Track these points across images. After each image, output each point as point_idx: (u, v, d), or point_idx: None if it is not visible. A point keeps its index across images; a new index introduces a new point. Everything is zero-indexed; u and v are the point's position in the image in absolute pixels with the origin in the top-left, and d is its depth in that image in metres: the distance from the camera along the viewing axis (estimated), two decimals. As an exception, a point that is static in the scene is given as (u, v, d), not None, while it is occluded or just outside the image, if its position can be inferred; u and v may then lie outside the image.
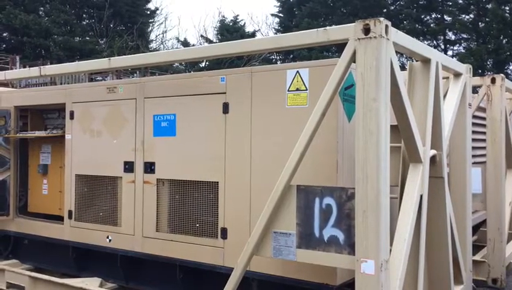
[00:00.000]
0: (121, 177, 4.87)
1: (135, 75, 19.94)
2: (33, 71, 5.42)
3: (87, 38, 28.38)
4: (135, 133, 4.77)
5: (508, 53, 26.05)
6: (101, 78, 19.48)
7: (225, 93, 4.23)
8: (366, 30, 3.02)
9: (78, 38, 28.33)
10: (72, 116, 5.29)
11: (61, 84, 16.71)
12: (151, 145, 4.67)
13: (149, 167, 4.67)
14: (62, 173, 5.52)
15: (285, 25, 31.69)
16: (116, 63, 4.73)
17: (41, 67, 5.33)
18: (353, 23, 3.12)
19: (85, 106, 5.20)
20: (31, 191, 6.04)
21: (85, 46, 27.16)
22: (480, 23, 27.61)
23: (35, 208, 5.98)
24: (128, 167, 4.80)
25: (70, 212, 5.30)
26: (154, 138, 4.65)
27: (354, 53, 3.09)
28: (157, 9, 31.48)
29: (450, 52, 28.92)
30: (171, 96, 4.56)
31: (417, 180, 3.48)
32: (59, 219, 5.51)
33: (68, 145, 5.34)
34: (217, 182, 4.24)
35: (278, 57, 29.98)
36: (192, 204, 4.40)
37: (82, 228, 5.19)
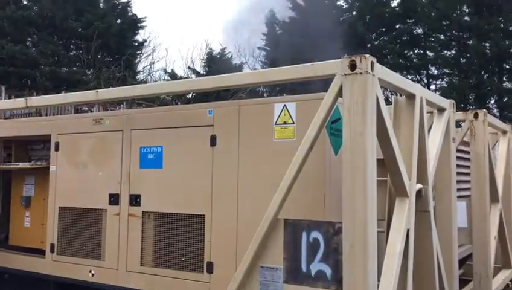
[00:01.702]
0: (106, 209, 4.80)
1: (122, 106, 19.92)
2: (19, 102, 5.40)
3: (74, 68, 28.43)
4: (121, 165, 4.73)
5: (489, 88, 26.69)
6: (87, 108, 19.42)
7: (213, 126, 4.24)
8: (352, 66, 3.09)
9: (65, 68, 28.39)
10: (57, 148, 5.24)
11: (46, 114, 16.59)
12: (137, 177, 4.63)
13: (134, 200, 4.61)
14: (45, 205, 5.42)
15: (272, 58, 32.14)
16: (104, 95, 4.74)
17: (28, 98, 5.31)
18: (339, 59, 3.19)
19: (71, 137, 5.17)
20: (13, 224, 5.91)
21: (72, 77, 27.17)
22: (461, 59, 28.32)
23: (17, 241, 5.84)
24: (114, 199, 4.75)
25: (52, 245, 5.18)
26: (141, 170, 4.62)
27: (341, 88, 3.15)
28: (145, 41, 31.77)
29: (432, 87, 29.52)
30: (158, 129, 4.56)
31: (404, 215, 3.50)
32: (41, 252, 5.38)
33: (52, 177, 5.27)
34: (203, 215, 4.20)
35: (265, 89, 30.28)
36: (178, 237, 4.34)
37: (64, 262, 5.07)
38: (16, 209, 5.88)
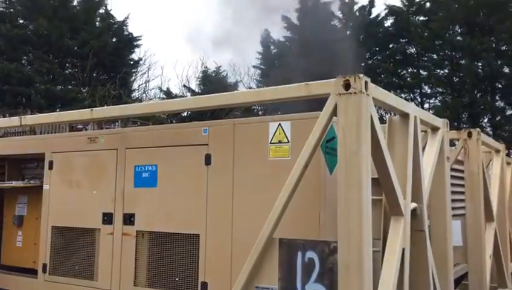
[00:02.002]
0: (99, 229, 4.76)
1: (117, 124, 19.90)
2: (13, 121, 5.38)
3: (69, 87, 28.45)
4: (115, 183, 4.71)
5: (482, 107, 26.88)
6: (82, 126, 19.38)
7: (207, 144, 4.24)
8: (347, 86, 3.11)
9: (60, 86, 28.40)
10: (51, 166, 5.22)
11: (41, 133, 16.51)
12: (132, 196, 4.61)
13: (128, 219, 4.58)
14: (38, 224, 5.37)
15: (267, 77, 32.31)
16: (99, 113, 4.74)
17: (22, 117, 5.29)
18: (334, 79, 3.21)
19: (65, 155, 5.15)
20: (5, 243, 5.84)
21: (67, 95, 27.15)
22: (454, 78, 28.57)
23: (8, 261, 5.77)
24: (107, 218, 4.71)
25: (44, 265, 5.12)
26: (135, 188, 4.60)
27: (335, 107, 3.17)
28: (140, 59, 31.88)
29: (426, 105, 29.69)
30: (153, 147, 4.55)
31: (399, 234, 3.49)
32: (34, 272, 5.31)
33: (46, 196, 5.23)
34: (198, 235, 4.17)
35: (260, 107, 30.37)
36: (172, 257, 4.30)
37: (57, 282, 5.00)
38: (8, 228, 5.82)
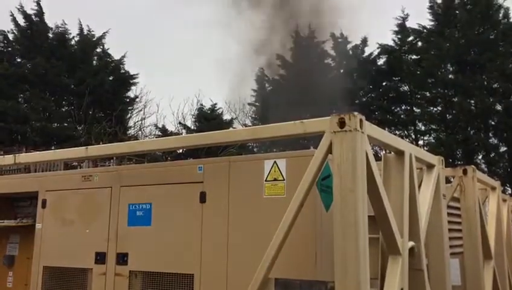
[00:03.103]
0: (92, 269, 4.66)
1: (112, 161, 19.84)
2: (8, 159, 5.35)
3: (65, 124, 28.54)
4: (109, 222, 4.64)
5: (476, 144, 27.07)
6: (77, 164, 19.31)
7: (202, 182, 4.21)
8: (342, 123, 3.12)
9: (56, 124, 28.48)
10: (44, 205, 5.15)
11: (35, 170, 16.42)
12: (125, 235, 4.54)
13: (122, 258, 4.49)
14: (29, 264, 5.25)
15: (262, 114, 32.56)
16: (94, 151, 4.72)
17: (16, 155, 5.26)
18: (329, 117, 3.22)
19: (58, 194, 5.09)
20: (-6, 284, 5.70)
21: (62, 132, 27.22)
22: (448, 115, 28.88)
23: (-3, 303, 5.62)
24: (100, 257, 4.62)
25: (34, 307, 4.98)
26: (129, 227, 4.53)
27: (331, 145, 3.17)
28: (136, 97, 32.14)
29: (420, 142, 29.88)
30: (148, 185, 4.52)
31: (397, 274, 3.44)
32: (22, 314, 5.17)
33: (38, 235, 5.14)
34: (192, 275, 4.09)
35: (255, 144, 30.44)
36: (166, 298, 4.20)
37: (46, 325, 4.86)
38: (-1, 268, 5.69)
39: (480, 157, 27.86)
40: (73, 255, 4.83)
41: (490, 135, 28.14)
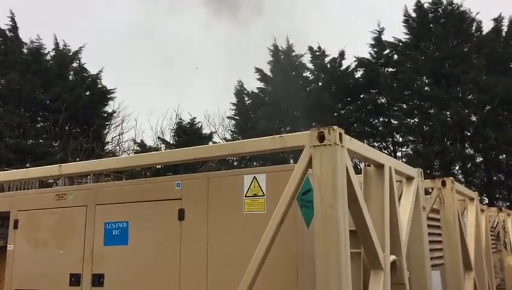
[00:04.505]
0: (66, 291, 4.50)
1: (89, 177, 19.49)
2: (-22, 178, 5.17)
3: (41, 140, 27.99)
4: (84, 242, 4.50)
5: (453, 154, 27.47)
6: (52, 181, 18.90)
7: (181, 199, 4.12)
8: (321, 138, 3.08)
9: (31, 140, 27.92)
10: (16, 226, 4.98)
11: (9, 188, 16.00)
12: (101, 255, 4.40)
13: (97, 280, 4.35)
14: (1, 287, 5.06)
15: (241, 127, 32.54)
16: (67, 169, 4.58)
17: (-15, 174, 5.09)
18: (308, 131, 3.18)
19: (31, 214, 4.93)
20: (-36, 309, 5.46)
21: (37, 149, 26.67)
22: (424, 127, 29.29)
23: (-34, 328, 5.37)
24: (75, 279, 4.46)
25: (6, 332, 4.79)
26: (105, 247, 4.40)
27: (310, 159, 3.12)
28: (114, 112, 31.75)
29: (398, 154, 30.20)
30: (124, 203, 4.40)
31: (379, 289, 3.38)
32: (-7, 340, 4.96)
33: (10, 257, 4.95)
34: (171, 295, 3.97)
35: (234, 158, 30.33)
36: (144, 320, 4.07)
37: None
38: (-32, 292, 5.46)
39: (457, 167, 28.26)
40: (47, 277, 4.67)
41: (466, 145, 28.62)
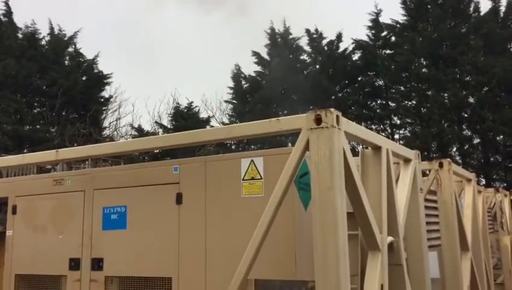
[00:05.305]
0: (66, 275, 4.53)
1: (87, 163, 19.49)
2: (-25, 164, 5.16)
3: (38, 126, 27.90)
4: (83, 227, 4.52)
5: (450, 136, 27.50)
6: (50, 167, 18.90)
7: (178, 183, 4.13)
8: (318, 120, 3.07)
9: (28, 126, 27.84)
10: (14, 211, 4.99)
11: (7, 174, 15.96)
12: (100, 239, 4.42)
13: (97, 264, 4.38)
14: (1, 272, 5.08)
15: (239, 111, 32.45)
16: (64, 154, 4.57)
17: (-18, 160, 5.07)
18: (305, 114, 3.17)
19: (29, 199, 4.93)
20: (-36, 294, 5.50)
21: (35, 135, 26.62)
22: (422, 109, 29.25)
23: (-33, 313, 5.41)
24: (74, 264, 4.49)
25: (7, 317, 4.83)
26: (103, 231, 4.41)
27: (308, 142, 3.12)
28: (111, 97, 31.58)
29: (396, 136, 30.20)
30: (122, 188, 4.40)
31: (377, 270, 3.41)
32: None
33: (9, 242, 4.97)
34: (170, 278, 4.00)
35: (232, 141, 30.36)
36: (144, 303, 4.10)
37: (20, 335, 4.71)
38: (-32, 278, 5.49)
39: (454, 149, 28.31)
40: (46, 262, 4.69)
41: (464, 127, 28.63)
